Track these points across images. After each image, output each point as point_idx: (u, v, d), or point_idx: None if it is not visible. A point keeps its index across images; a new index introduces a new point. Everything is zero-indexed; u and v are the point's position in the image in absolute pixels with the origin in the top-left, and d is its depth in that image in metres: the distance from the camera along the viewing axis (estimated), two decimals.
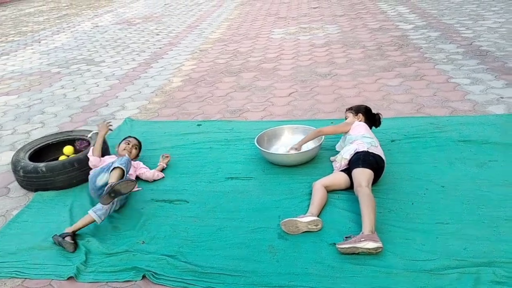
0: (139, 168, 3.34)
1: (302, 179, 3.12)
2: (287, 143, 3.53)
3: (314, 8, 10.53)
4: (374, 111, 4.24)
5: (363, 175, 2.74)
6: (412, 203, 2.72)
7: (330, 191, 2.85)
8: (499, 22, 7.15)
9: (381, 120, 3.45)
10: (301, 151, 3.29)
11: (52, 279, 2.39)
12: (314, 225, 2.52)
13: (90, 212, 2.70)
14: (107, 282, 2.34)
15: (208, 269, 2.33)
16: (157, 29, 9.60)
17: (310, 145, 3.38)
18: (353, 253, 2.28)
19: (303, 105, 4.57)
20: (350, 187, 2.86)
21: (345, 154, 3.02)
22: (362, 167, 2.79)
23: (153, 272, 2.34)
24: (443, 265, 2.19)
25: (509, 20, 7.25)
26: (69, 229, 2.65)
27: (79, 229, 2.68)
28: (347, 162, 2.98)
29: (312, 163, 3.34)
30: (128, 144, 3.44)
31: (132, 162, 3.28)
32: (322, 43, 7.06)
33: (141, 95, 5.39)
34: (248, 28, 8.92)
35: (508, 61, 5.24)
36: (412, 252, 2.29)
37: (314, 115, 4.29)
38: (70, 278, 2.38)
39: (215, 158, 3.57)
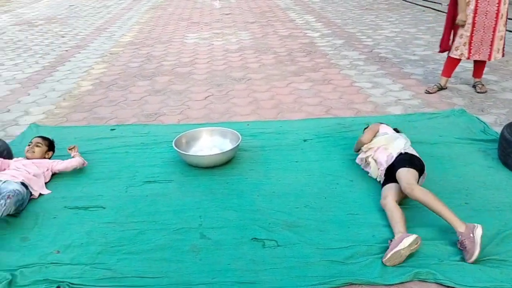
0: (54, 166, 3.23)
1: (221, 180, 3.18)
2: (205, 145, 3.58)
3: (227, 14, 10.70)
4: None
5: (409, 173, 2.66)
6: (325, 197, 2.91)
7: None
8: (395, 32, 7.87)
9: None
10: (219, 152, 3.35)
11: None
12: (415, 244, 2.29)
13: None
14: None
15: (129, 273, 2.29)
16: (62, 31, 9.08)
17: (227, 146, 3.46)
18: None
19: (220, 108, 4.65)
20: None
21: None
22: (409, 167, 2.71)
23: (68, 283, 2.24)
24: (355, 252, 2.38)
25: (403, 30, 8.01)
26: None
27: None
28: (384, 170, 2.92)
29: (230, 163, 3.41)
30: (29, 144, 3.33)
31: (42, 161, 3.21)
32: (235, 49, 7.20)
33: (47, 99, 5.08)
34: (161, 32, 8.81)
35: (403, 67, 5.80)
36: (327, 242, 2.46)
37: (231, 117, 4.38)
38: None
39: (131, 162, 3.49)
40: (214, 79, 5.62)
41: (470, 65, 5.46)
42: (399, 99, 4.66)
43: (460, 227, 2.35)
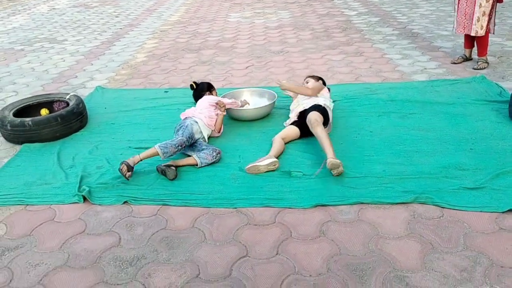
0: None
1: (258, 130, 3.72)
2: None
3: None
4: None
5: (317, 115, 3.31)
6: (341, 143, 3.37)
7: (286, 142, 3.39)
8: (431, 10, 8.07)
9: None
10: (257, 106, 3.88)
11: (51, 205, 2.85)
12: (273, 166, 3.02)
13: (156, 146, 3.08)
14: (97, 204, 2.82)
15: (182, 191, 2.88)
16: (115, 12, 9.86)
17: (265, 102, 3.99)
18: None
19: (259, 75, 5.17)
20: (300, 137, 3.46)
21: (306, 105, 3.57)
22: (316, 111, 3.38)
23: (133, 197, 2.85)
24: (367, 181, 2.86)
25: (439, 8, 8.19)
26: (135, 158, 3.05)
27: (144, 159, 3.08)
28: (298, 113, 3.57)
29: (266, 118, 3.94)
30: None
31: (213, 99, 3.73)
32: (275, 26, 7.67)
33: (107, 68, 5.78)
34: (206, 12, 9.40)
35: (434, 41, 6.08)
36: (344, 173, 2.95)
37: (269, 83, 4.89)
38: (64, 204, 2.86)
39: None
40: (255, 52, 6.14)
41: (497, 39, 5.71)
42: (425, 68, 5.01)
43: (330, 156, 2.96)
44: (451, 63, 5.10)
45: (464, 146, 3.23)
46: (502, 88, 4.24)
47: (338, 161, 2.90)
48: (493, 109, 3.81)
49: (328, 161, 2.93)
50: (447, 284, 2.06)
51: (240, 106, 3.85)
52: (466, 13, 4.69)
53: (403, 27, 6.97)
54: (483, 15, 4.59)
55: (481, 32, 4.66)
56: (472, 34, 4.71)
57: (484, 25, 4.63)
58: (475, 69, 4.83)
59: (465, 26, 4.74)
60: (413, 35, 6.43)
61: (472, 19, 4.64)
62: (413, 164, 3.03)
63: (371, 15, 8.01)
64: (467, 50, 5.09)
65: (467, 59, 5.11)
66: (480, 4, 4.57)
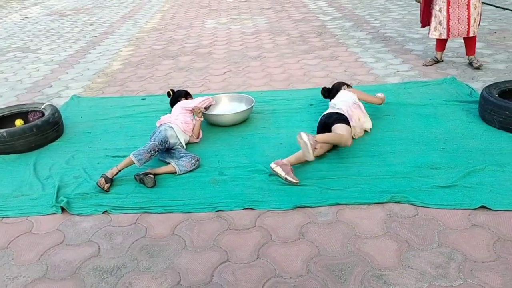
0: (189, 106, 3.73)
1: (237, 135, 3.75)
2: (225, 108, 4.14)
3: (243, 1, 11.20)
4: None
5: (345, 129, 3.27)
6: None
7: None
8: (402, 14, 8.26)
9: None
10: (236, 112, 3.91)
11: (28, 216, 2.81)
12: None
13: (131, 155, 3.08)
14: (76, 214, 2.80)
15: (163, 197, 2.88)
16: (90, 20, 9.76)
17: (243, 107, 4.02)
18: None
19: (237, 81, 5.21)
20: None
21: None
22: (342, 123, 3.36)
23: (113, 206, 2.84)
24: (344, 182, 2.92)
25: (410, 12, 8.39)
26: (113, 170, 3.05)
27: (122, 169, 3.09)
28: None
29: (244, 123, 3.97)
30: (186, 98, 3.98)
31: (187, 103, 3.78)
32: (251, 32, 7.73)
33: (83, 77, 5.73)
34: (182, 18, 9.40)
35: (406, 44, 6.24)
36: (321, 175, 3.01)
37: (246, 88, 4.93)
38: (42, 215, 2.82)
39: None
40: (232, 58, 6.18)
41: None
42: (398, 71, 5.13)
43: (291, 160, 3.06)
44: (423, 65, 5.24)
45: (436, 145, 3.33)
46: (472, 88, 4.38)
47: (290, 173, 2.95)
48: (463, 109, 3.93)
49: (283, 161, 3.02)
50: (423, 281, 2.12)
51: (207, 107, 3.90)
52: (459, 17, 4.76)
53: (376, 31, 7.12)
54: (477, 15, 4.77)
55: (477, 32, 4.86)
56: (470, 35, 4.82)
57: (478, 22, 4.81)
58: (476, 68, 4.92)
59: (459, 30, 4.82)
60: (385, 39, 6.58)
61: (469, 21, 4.74)
62: (388, 165, 3.11)
63: (345, 20, 8.16)
64: (439, 53, 5.24)
65: (438, 61, 5.25)
66: (475, 5, 4.71)
